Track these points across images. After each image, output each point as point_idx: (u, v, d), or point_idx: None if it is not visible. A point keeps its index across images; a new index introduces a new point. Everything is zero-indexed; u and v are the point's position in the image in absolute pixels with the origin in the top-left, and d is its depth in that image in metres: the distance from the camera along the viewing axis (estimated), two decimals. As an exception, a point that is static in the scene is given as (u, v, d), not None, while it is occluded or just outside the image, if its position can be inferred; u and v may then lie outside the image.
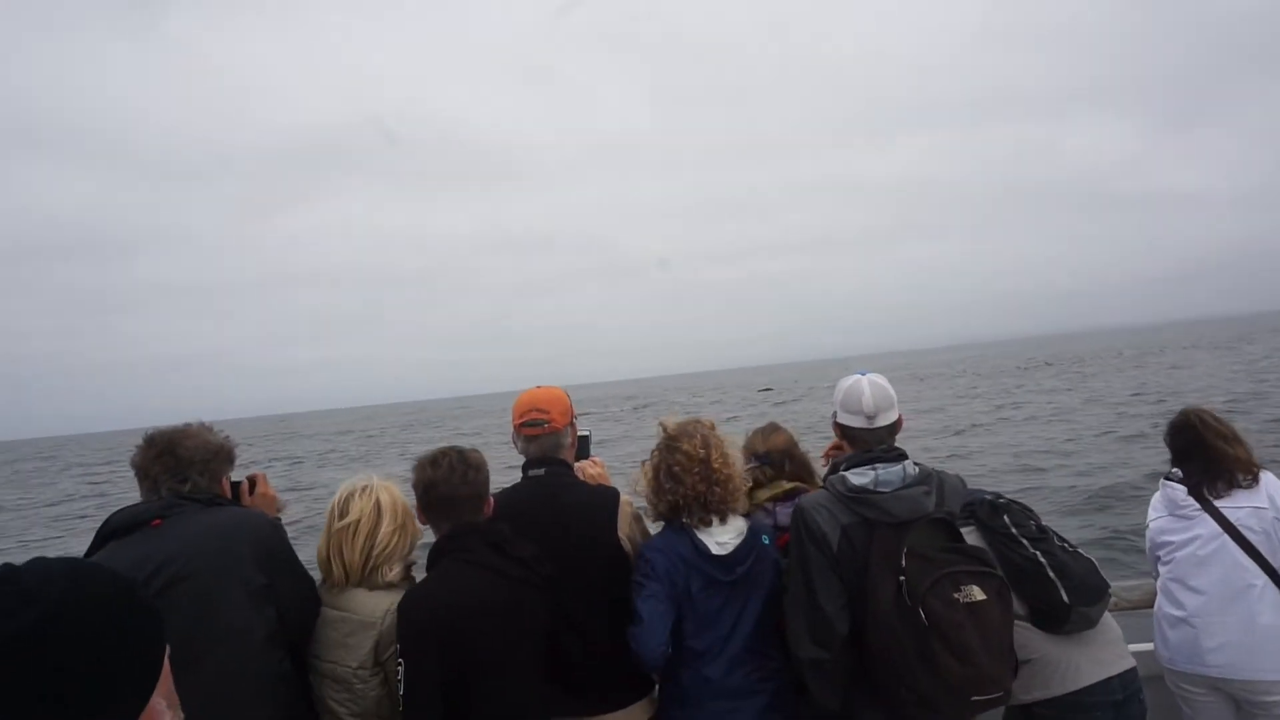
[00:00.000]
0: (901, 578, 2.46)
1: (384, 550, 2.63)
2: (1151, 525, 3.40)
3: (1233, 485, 3.19)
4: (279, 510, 2.98)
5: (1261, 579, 3.06)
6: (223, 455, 2.71)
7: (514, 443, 3.10)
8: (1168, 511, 3.33)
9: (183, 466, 2.59)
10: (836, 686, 2.59)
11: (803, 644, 2.62)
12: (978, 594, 2.46)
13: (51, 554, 1.22)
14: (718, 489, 2.79)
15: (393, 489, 2.75)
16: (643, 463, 2.94)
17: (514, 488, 3.00)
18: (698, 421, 2.95)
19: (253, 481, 2.90)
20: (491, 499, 2.83)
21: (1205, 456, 3.25)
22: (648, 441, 2.99)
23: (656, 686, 2.97)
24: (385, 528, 2.64)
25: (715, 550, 2.77)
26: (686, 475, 2.78)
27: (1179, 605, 3.21)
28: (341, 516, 2.64)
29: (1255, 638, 3.02)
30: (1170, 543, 3.28)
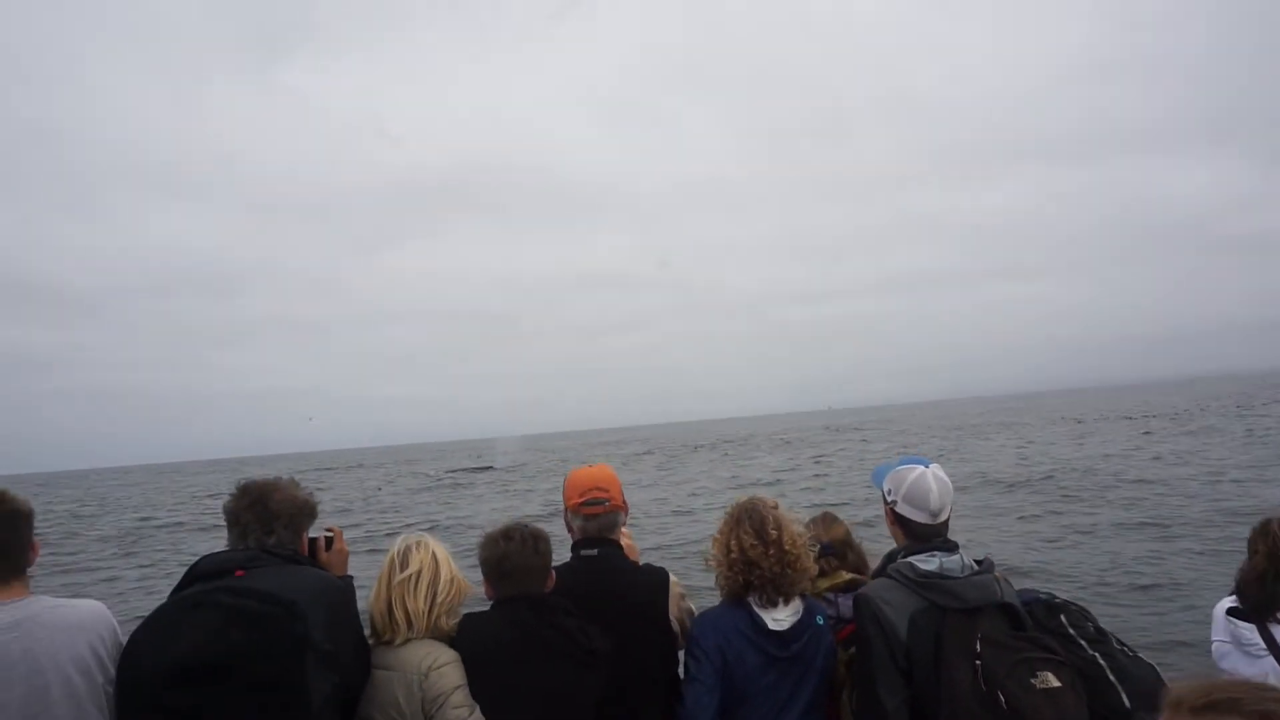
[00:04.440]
0: (978, 662, 2.44)
1: (446, 599, 2.73)
2: (1215, 648, 3.25)
3: None
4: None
5: None
6: (306, 511, 2.78)
7: (567, 521, 3.15)
8: (1233, 643, 3.18)
9: (270, 518, 2.66)
10: None
11: None
12: (1053, 681, 2.43)
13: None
14: (790, 571, 2.82)
15: (440, 546, 2.85)
16: (713, 538, 2.97)
17: (568, 566, 3.03)
18: (763, 501, 2.97)
19: (329, 539, 2.91)
20: (554, 573, 2.90)
21: (1270, 583, 3.09)
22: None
23: None
24: (444, 577, 2.75)
25: (771, 626, 2.80)
26: (762, 559, 2.81)
27: None
28: (403, 568, 2.74)
29: None
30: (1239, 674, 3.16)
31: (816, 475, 33.44)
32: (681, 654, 3.00)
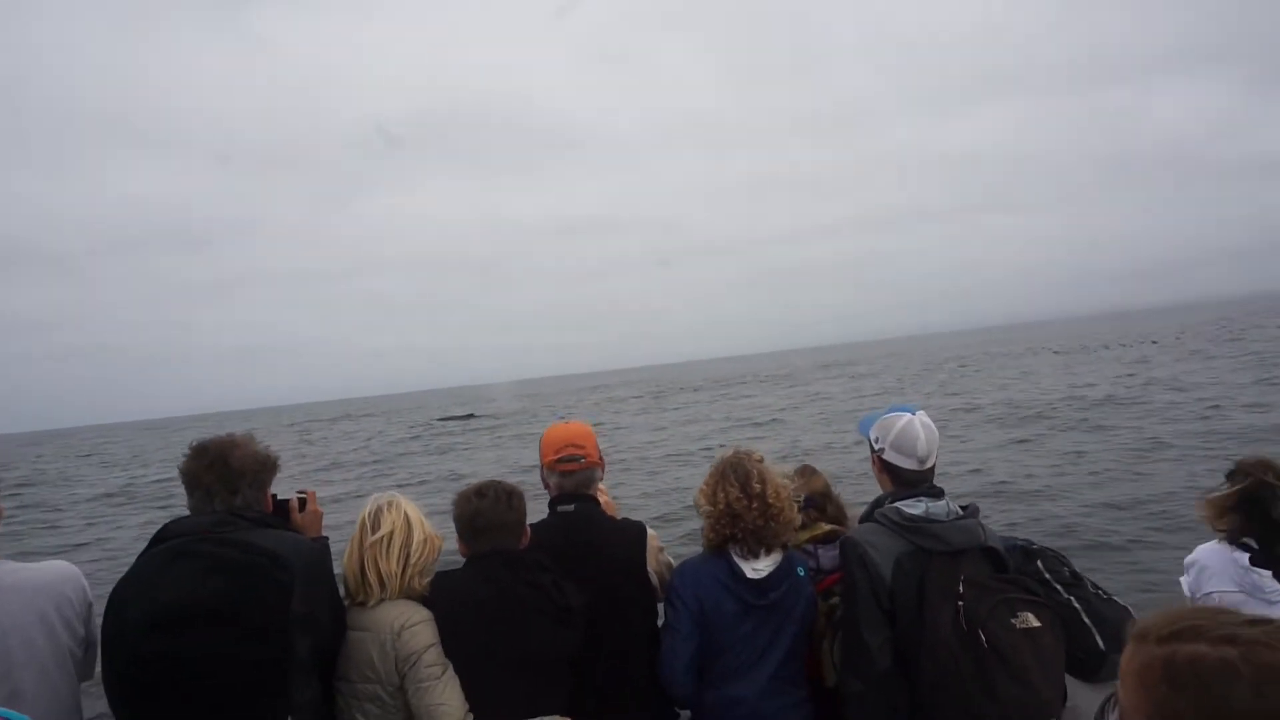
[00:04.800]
0: (960, 603, 2.50)
1: (419, 560, 2.72)
2: (1218, 600, 3.15)
3: None
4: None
5: None
6: (269, 466, 2.68)
7: (543, 478, 3.14)
8: (1242, 590, 3.12)
9: (234, 477, 2.56)
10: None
11: (843, 674, 2.66)
12: (1033, 620, 2.49)
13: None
14: (773, 524, 2.86)
15: (412, 505, 2.82)
16: (699, 490, 2.99)
17: (544, 523, 3.03)
18: (748, 454, 2.99)
19: (302, 500, 2.85)
20: (528, 530, 2.89)
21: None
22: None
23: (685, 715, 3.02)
24: (417, 538, 2.73)
25: (750, 574, 2.84)
26: (746, 513, 2.84)
27: None
28: (374, 530, 2.71)
29: None
30: None
31: (819, 414, 33.56)
32: (661, 606, 3.01)
